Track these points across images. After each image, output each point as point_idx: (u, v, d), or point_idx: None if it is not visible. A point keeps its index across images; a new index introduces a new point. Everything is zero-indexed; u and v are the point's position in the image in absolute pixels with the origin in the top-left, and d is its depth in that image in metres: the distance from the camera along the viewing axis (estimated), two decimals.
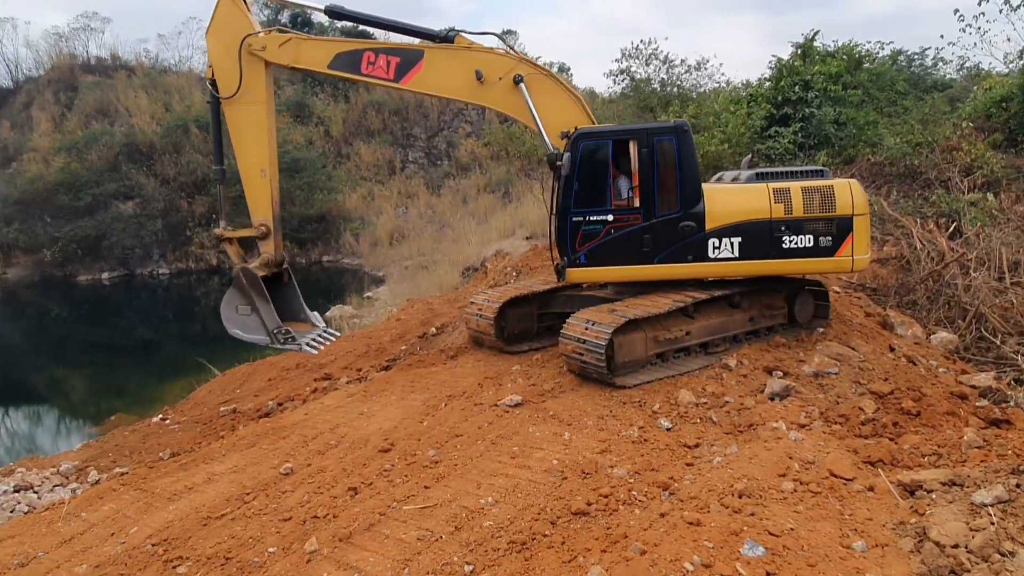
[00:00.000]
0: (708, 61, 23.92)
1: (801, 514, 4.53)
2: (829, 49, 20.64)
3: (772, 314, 8.51)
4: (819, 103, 17.30)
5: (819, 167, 8.48)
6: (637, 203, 7.96)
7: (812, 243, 7.93)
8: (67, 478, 8.31)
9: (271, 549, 4.64)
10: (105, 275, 34.92)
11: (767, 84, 18.85)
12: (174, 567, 4.55)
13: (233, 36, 8.27)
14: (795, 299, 8.61)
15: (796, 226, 7.89)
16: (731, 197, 8.06)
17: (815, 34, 19.46)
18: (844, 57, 20.14)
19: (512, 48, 8.27)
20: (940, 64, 25.81)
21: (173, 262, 35.95)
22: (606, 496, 5.01)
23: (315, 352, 8.95)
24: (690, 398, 6.87)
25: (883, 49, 22.51)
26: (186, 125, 38.87)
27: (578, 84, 50.70)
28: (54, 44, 48.01)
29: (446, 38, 8.20)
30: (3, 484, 7.84)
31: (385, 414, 7.18)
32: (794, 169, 8.39)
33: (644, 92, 23.13)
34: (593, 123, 8.30)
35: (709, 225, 7.88)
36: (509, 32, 56.36)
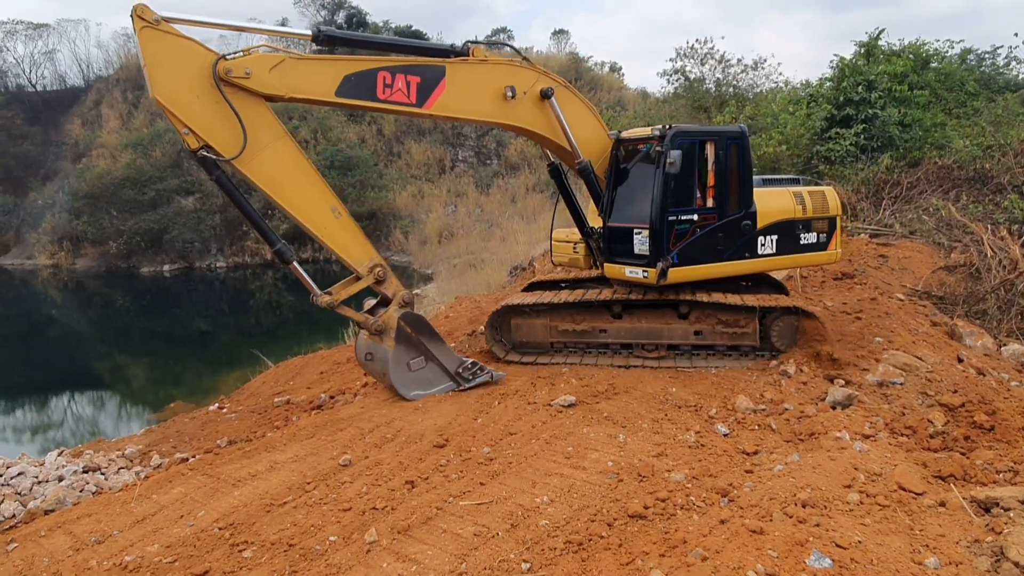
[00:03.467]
0: (765, 60, 23.60)
1: (869, 527, 4.40)
2: (894, 48, 19.99)
3: (730, 333, 8.24)
4: (883, 104, 16.76)
5: (795, 175, 9.54)
6: (711, 203, 8.24)
7: (816, 239, 8.94)
8: (131, 461, 8.61)
9: (332, 538, 4.74)
10: (166, 267, 36.24)
11: (828, 84, 18.36)
12: (240, 551, 4.68)
13: (195, 75, 6.19)
14: (771, 320, 8.22)
15: (808, 224, 8.87)
16: (768, 199, 8.66)
17: (880, 32, 18.90)
18: (910, 56, 19.48)
19: (527, 59, 7.76)
20: (1013, 63, 24.68)
21: (230, 256, 37.07)
22: (663, 500, 4.96)
23: (505, 376, 8.12)
24: (748, 404, 6.76)
25: (952, 48, 21.68)
26: None
27: (629, 84, 50.35)
28: (123, 44, 49.90)
29: (461, 52, 7.38)
30: (73, 465, 8.15)
31: (439, 410, 7.25)
32: (781, 177, 9.46)
33: (698, 92, 22.80)
34: (608, 134, 8.55)
35: (760, 224, 8.49)
36: (561, 32, 56.46)
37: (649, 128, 8.33)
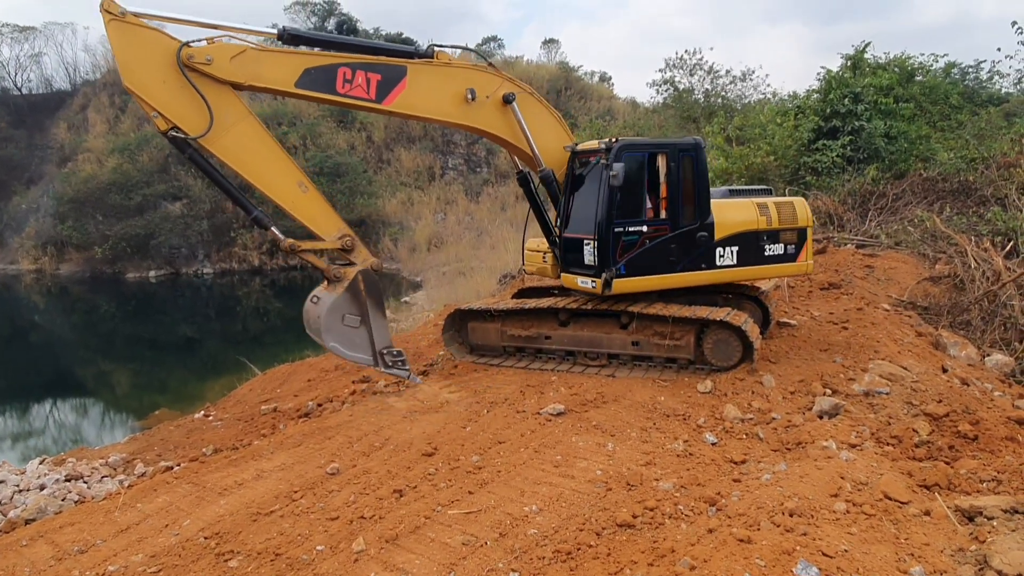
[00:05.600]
0: (754, 72, 23.78)
1: (855, 536, 4.42)
2: (880, 61, 20.26)
3: (666, 346, 8.25)
4: (869, 116, 16.97)
5: (766, 187, 9.62)
6: (664, 215, 8.32)
7: (783, 251, 8.87)
8: (115, 469, 8.52)
9: (319, 547, 4.71)
10: (152, 273, 35.94)
11: (815, 96, 18.57)
12: (226, 560, 4.64)
13: (160, 62, 6.54)
14: (705, 336, 8.08)
15: (774, 236, 8.79)
16: (729, 210, 8.63)
17: (866, 45, 19.16)
18: (896, 69, 19.76)
19: (491, 64, 7.99)
20: (996, 77, 25.12)
21: (217, 262, 36.84)
22: (651, 509, 4.96)
23: (420, 382, 8.26)
24: (736, 413, 6.78)
25: (936, 61, 22.02)
26: None
27: (619, 93, 50.65)
28: (110, 49, 49.46)
29: (426, 54, 7.62)
30: (55, 473, 8.06)
31: (428, 419, 7.23)
32: (749, 188, 9.44)
33: (687, 103, 22.99)
34: (574, 143, 8.63)
35: (718, 235, 8.46)
36: (551, 41, 56.67)
37: (597, 141, 8.44)
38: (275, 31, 7.27)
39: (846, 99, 17.16)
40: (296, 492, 5.61)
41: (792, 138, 16.91)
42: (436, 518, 5.04)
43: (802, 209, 9.04)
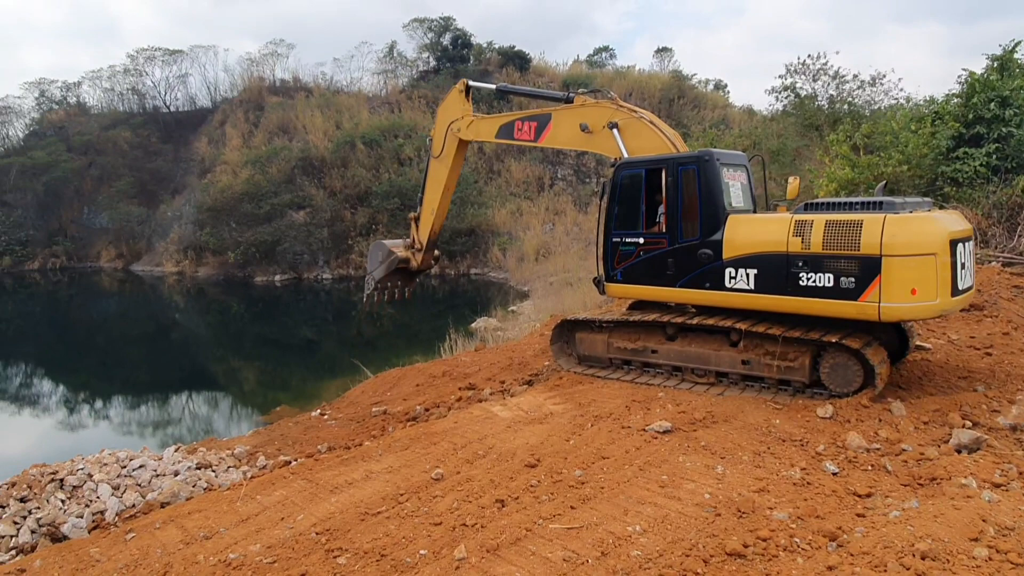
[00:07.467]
0: (884, 76, 22.04)
1: None
2: None
3: (778, 366, 7.67)
4: (1019, 122, 15.41)
5: (882, 198, 7.23)
6: (664, 228, 8.45)
7: (833, 283, 7.13)
8: (239, 461, 9.10)
9: (422, 551, 4.78)
10: (277, 277, 38.34)
11: (955, 100, 17.08)
12: (335, 557, 4.81)
13: (449, 116, 11.19)
14: (822, 358, 7.50)
15: (815, 262, 7.19)
16: (750, 227, 7.88)
17: (1015, 45, 17.42)
18: None
19: (618, 100, 9.44)
20: None
21: (335, 268, 38.76)
22: (764, 539, 4.69)
23: (369, 288, 12.33)
24: (860, 442, 6.30)
25: None
26: (353, 141, 41.89)
27: (734, 101, 49.03)
28: (247, 68, 53.47)
29: (568, 100, 9.97)
30: (188, 461, 8.70)
31: (531, 429, 7.22)
32: (853, 200, 7.51)
33: (810, 110, 21.83)
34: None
35: (727, 254, 7.85)
36: (664, 50, 55.79)
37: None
38: (493, 86, 12.48)
39: (992, 103, 15.66)
40: (402, 495, 5.75)
41: (928, 146, 15.62)
42: (537, 531, 4.99)
43: (872, 233, 6.87)
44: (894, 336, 8.31)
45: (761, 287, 7.64)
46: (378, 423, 10.14)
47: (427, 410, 10.28)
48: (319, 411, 11.85)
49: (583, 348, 9.65)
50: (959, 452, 6.09)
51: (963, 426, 6.58)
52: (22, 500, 7.17)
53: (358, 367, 15.21)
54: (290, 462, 8.15)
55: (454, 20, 51.58)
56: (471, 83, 11.45)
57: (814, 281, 7.25)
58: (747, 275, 7.71)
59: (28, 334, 30.62)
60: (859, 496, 5.37)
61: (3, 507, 7.04)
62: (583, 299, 19.60)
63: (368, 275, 12.34)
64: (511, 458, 6.41)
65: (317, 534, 5.17)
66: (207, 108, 55.44)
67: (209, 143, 49.32)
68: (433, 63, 52.04)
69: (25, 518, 6.86)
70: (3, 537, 6.61)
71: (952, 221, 7.23)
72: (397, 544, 4.92)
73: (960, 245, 7.06)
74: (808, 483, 5.59)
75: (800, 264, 7.31)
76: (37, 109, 58.39)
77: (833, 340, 7.26)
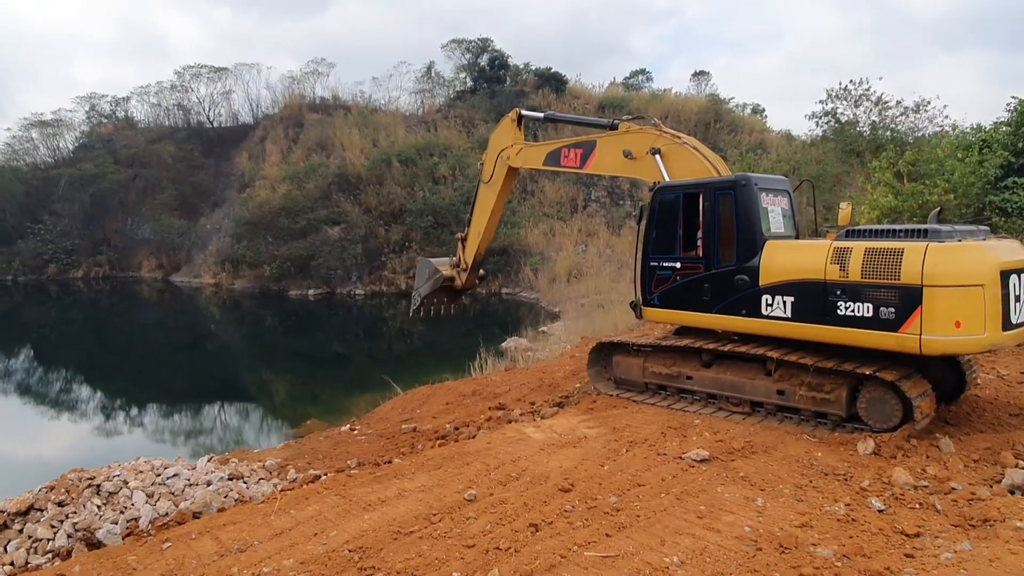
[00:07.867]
0: (929, 103, 21.58)
1: None
2: None
3: (813, 398, 7.43)
4: None
5: (929, 226, 6.95)
6: (701, 253, 8.40)
7: (872, 313, 6.87)
8: (270, 473, 9.14)
9: (455, 574, 4.72)
10: (311, 292, 38.80)
11: (1004, 129, 16.69)
12: (368, 575, 4.77)
13: (500, 143, 11.43)
14: (860, 391, 7.24)
15: (853, 291, 6.96)
16: (788, 254, 7.72)
17: None
18: None
19: (661, 125, 9.51)
20: None
21: (368, 284, 39.12)
22: None
23: (415, 304, 12.80)
24: (907, 478, 6.08)
25: None
26: (389, 159, 42.44)
27: (772, 126, 48.59)
28: (288, 86, 54.67)
29: (612, 126, 10.15)
30: (220, 471, 8.76)
31: (565, 453, 7.13)
32: (897, 228, 7.22)
33: (851, 135, 21.52)
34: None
35: (763, 281, 7.69)
36: (701, 73, 55.66)
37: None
38: (542, 115, 12.03)
39: None
40: (435, 515, 5.70)
41: (976, 175, 15.25)
42: (572, 558, 4.90)
43: (913, 263, 6.58)
44: (949, 372, 7.95)
45: (798, 315, 7.43)
46: (408, 440, 10.12)
47: (457, 429, 10.25)
48: (349, 426, 11.89)
49: (620, 371, 9.61)
50: (1012, 493, 5.84)
51: (1016, 466, 6.32)
52: (60, 504, 7.28)
53: (388, 383, 15.25)
54: (320, 476, 8.16)
55: (492, 41, 52.21)
56: (523, 112, 11.64)
57: (853, 311, 7.00)
58: (784, 303, 7.53)
59: (71, 340, 31.44)
60: (907, 535, 5.17)
61: (41, 511, 7.15)
62: (615, 322, 19.43)
63: (415, 290, 12.89)
64: (545, 481, 6.33)
65: (350, 551, 5.14)
66: (248, 124, 56.74)
67: (249, 158, 50.40)
68: (470, 83, 52.63)
69: (62, 522, 6.95)
70: (40, 540, 6.70)
71: (1008, 251, 6.94)
72: (430, 565, 4.87)
73: (1015, 276, 6.78)
74: (853, 519, 5.40)
75: (838, 293, 7.07)
76: (87, 122, 60.44)
77: (868, 372, 7.03)
